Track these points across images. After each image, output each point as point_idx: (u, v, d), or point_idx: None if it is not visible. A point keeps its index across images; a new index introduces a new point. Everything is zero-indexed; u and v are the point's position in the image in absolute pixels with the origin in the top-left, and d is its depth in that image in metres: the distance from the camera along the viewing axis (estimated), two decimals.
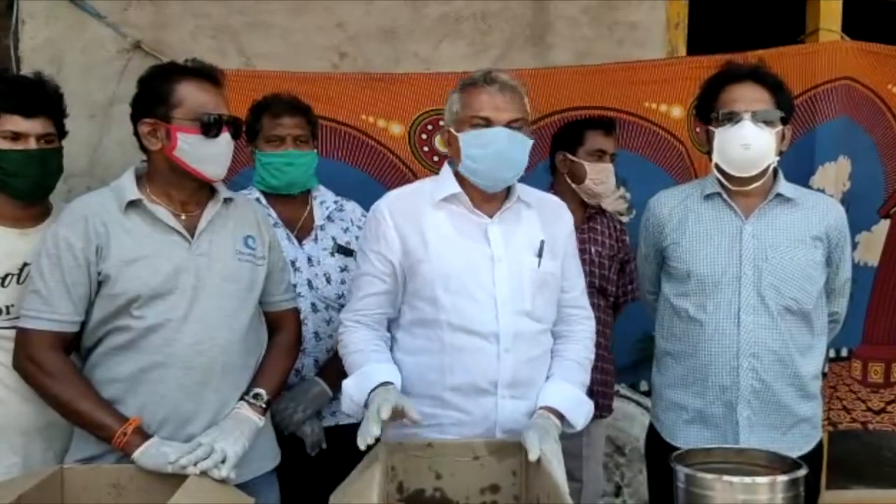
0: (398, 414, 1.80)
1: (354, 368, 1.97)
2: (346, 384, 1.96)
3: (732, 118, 2.16)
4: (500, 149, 1.93)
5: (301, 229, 2.47)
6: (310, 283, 2.42)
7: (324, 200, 2.52)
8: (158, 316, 1.90)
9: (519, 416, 1.96)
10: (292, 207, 2.48)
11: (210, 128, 1.91)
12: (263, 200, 2.45)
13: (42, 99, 2.09)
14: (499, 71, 2.02)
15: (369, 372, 1.93)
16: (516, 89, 1.98)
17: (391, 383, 1.90)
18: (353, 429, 2.17)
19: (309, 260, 2.44)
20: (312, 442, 2.33)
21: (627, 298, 2.93)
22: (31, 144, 2.05)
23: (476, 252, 1.98)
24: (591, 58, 3.30)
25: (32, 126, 2.05)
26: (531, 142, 1.99)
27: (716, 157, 2.21)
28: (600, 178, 2.75)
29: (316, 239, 2.47)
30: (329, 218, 2.50)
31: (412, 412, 1.81)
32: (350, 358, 2.00)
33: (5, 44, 3.15)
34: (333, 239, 2.48)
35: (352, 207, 2.56)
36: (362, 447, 1.75)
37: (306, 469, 2.27)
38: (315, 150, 2.51)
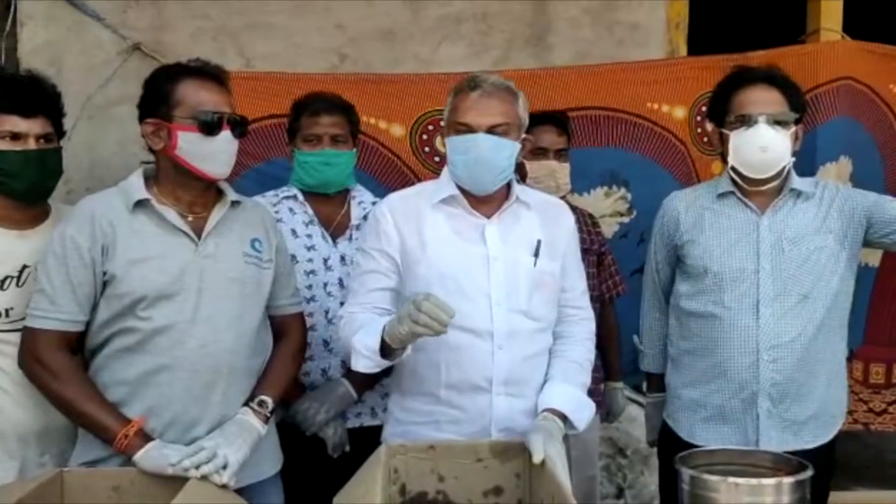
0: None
1: (357, 331, 1.90)
2: (356, 338, 1.88)
3: (747, 121, 2.16)
4: (479, 155, 1.93)
5: (336, 228, 2.48)
6: (341, 282, 2.41)
7: (362, 200, 2.53)
8: (165, 318, 1.89)
9: (515, 414, 1.96)
10: (330, 206, 2.49)
11: (208, 126, 1.91)
12: (301, 198, 2.46)
13: (40, 98, 2.08)
14: (490, 73, 2.02)
15: (377, 323, 1.87)
16: (506, 92, 1.97)
17: None
18: (377, 431, 2.14)
19: (342, 259, 2.43)
20: (335, 444, 2.29)
21: (613, 293, 2.86)
22: (31, 145, 2.04)
23: (472, 252, 1.98)
24: (592, 58, 3.29)
25: (31, 126, 2.04)
26: (517, 146, 1.99)
27: (731, 160, 2.21)
28: (538, 177, 2.66)
29: (350, 238, 2.46)
30: (365, 218, 2.47)
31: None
32: (350, 330, 1.93)
33: (4, 46, 3.14)
34: None
35: None
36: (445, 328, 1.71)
37: (324, 471, 2.20)
38: (354, 150, 2.50)
